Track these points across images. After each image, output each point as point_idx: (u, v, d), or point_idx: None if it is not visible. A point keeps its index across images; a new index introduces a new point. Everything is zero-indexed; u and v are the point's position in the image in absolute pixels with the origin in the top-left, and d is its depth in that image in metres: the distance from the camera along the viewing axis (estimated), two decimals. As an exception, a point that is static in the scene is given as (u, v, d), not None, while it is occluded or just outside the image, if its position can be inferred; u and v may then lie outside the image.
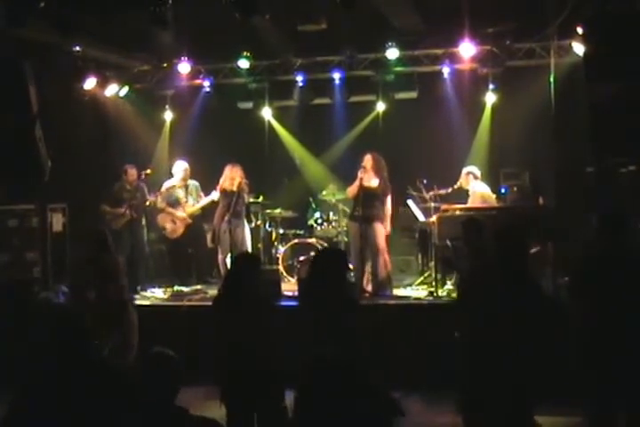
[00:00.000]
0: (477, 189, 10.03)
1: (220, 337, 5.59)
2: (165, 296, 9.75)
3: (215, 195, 10.39)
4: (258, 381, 5.35)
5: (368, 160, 9.55)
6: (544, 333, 5.14)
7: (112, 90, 11.56)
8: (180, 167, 10.72)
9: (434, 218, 9.50)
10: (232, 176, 10.12)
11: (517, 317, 5.05)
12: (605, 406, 5.38)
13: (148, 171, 10.47)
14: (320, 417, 3.26)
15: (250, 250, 10.36)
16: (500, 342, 5.11)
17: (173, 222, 10.62)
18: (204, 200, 10.69)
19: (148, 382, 3.34)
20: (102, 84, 11.31)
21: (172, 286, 10.21)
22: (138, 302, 9.36)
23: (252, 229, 10.87)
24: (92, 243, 7.76)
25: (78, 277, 8.11)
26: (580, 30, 8.62)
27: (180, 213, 10.60)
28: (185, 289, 10.06)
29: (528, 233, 8.71)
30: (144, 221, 10.74)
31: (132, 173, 10.61)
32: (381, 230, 9.52)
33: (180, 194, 10.66)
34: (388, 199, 9.64)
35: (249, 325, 5.41)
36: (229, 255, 9.80)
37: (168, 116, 12.46)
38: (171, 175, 10.90)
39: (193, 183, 10.83)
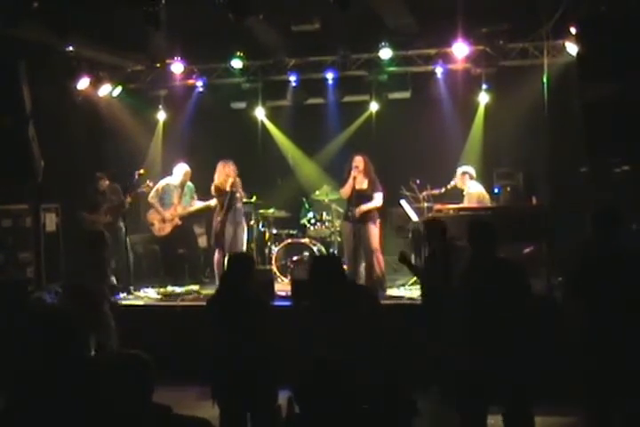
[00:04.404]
0: (473, 189, 10.05)
1: (213, 337, 5.59)
2: (158, 296, 9.73)
3: (209, 203, 10.46)
4: (251, 380, 5.35)
5: (360, 161, 9.56)
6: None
7: (105, 90, 11.52)
8: (181, 170, 10.73)
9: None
10: (226, 174, 10.09)
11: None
12: (604, 406, 5.39)
13: (142, 171, 10.45)
14: (320, 418, 3.26)
15: (244, 249, 10.35)
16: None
17: (162, 221, 10.63)
18: (197, 205, 10.76)
19: (119, 383, 3.35)
20: (95, 84, 11.27)
21: (165, 287, 10.19)
22: (131, 303, 9.40)
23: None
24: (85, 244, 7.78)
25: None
26: (573, 30, 8.64)
27: (168, 214, 10.61)
28: (178, 289, 10.04)
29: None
30: (122, 224, 10.50)
31: (104, 183, 10.65)
32: (375, 231, 9.56)
33: (174, 195, 10.66)
34: (377, 195, 9.62)
35: (242, 325, 5.42)
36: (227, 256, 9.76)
37: (161, 116, 12.45)
38: (166, 173, 10.95)
39: (188, 185, 10.84)
